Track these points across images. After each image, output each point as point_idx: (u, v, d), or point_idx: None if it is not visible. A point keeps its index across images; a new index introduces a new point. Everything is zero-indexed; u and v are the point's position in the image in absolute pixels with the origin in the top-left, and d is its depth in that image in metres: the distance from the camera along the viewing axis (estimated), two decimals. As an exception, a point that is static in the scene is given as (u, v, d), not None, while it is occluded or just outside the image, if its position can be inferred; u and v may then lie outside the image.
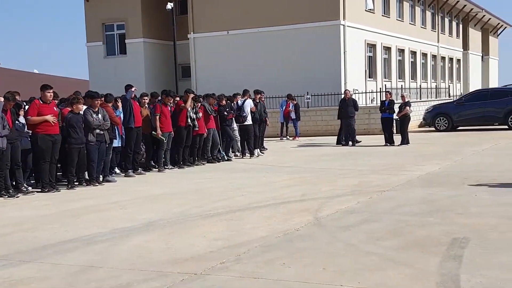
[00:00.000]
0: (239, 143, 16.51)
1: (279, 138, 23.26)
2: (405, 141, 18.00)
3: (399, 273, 4.91)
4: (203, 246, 6.09)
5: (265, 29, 27.07)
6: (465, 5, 41.80)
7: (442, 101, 29.51)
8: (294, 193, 9.43)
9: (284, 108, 23.23)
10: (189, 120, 13.80)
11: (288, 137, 23.44)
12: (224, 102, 15.49)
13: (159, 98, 13.91)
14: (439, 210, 7.50)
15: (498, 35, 55.37)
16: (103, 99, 11.83)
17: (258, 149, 16.55)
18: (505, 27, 54.73)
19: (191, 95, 14.06)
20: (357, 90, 26.22)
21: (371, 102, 27.26)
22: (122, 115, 12.40)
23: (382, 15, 30.53)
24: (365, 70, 28.63)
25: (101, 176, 11.78)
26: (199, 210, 8.20)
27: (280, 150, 18.75)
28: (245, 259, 5.56)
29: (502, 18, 51.57)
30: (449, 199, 8.21)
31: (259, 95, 16.93)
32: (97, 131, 11.14)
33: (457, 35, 44.00)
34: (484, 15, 46.16)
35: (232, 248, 5.95)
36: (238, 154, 16.52)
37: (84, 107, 11.19)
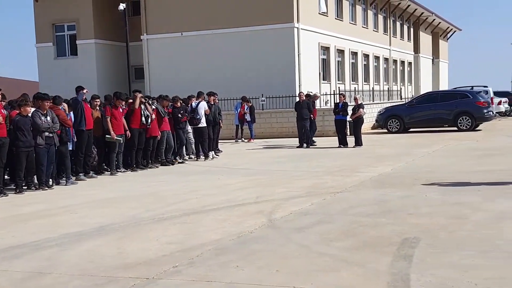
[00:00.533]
0: (193, 146, 16.41)
1: (234, 140, 23.22)
2: (358, 143, 18.22)
3: (352, 273, 4.94)
4: (155, 250, 6.00)
5: (220, 31, 26.99)
6: (416, 9, 42.64)
7: (394, 103, 30.01)
8: (249, 196, 9.41)
9: (239, 110, 23.21)
10: (143, 119, 13.64)
11: (243, 139, 23.43)
12: (179, 104, 15.38)
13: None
14: (391, 210, 7.59)
15: (447, 39, 56.71)
16: (51, 101, 11.55)
17: (213, 152, 16.48)
18: (455, 31, 56.10)
19: (139, 95, 13.90)
20: (311, 92, 26.38)
21: (325, 105, 27.50)
22: (72, 118, 12.16)
23: (336, 18, 30.85)
24: (319, 73, 28.86)
25: (64, 179, 11.65)
26: (152, 214, 8.09)
27: (235, 152, 18.72)
28: (198, 262, 5.50)
29: (452, 22, 52.88)
30: (401, 200, 8.33)
31: (213, 97, 16.87)
32: (46, 134, 10.88)
33: (409, 39, 44.85)
34: (434, 19, 47.20)
35: (185, 252, 5.89)
36: (193, 156, 16.42)
37: (33, 109, 10.91)
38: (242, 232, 6.69)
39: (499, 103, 32.52)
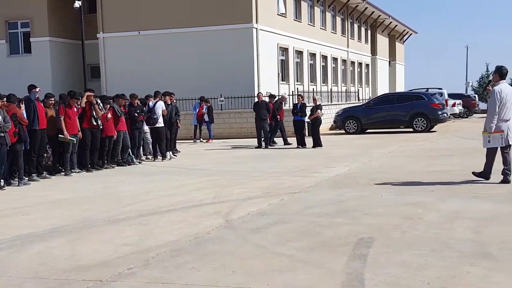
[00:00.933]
0: (150, 146, 16.26)
1: (192, 141, 23.11)
2: (318, 143, 18.34)
3: (308, 273, 4.95)
4: (109, 252, 5.91)
5: (178, 30, 26.85)
6: (373, 12, 43.25)
7: (352, 105, 30.35)
8: (206, 196, 9.36)
9: (197, 111, 23.11)
10: (93, 120, 13.42)
11: (201, 139, 23.34)
12: (136, 102, 15.18)
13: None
14: (347, 210, 7.66)
15: (404, 41, 57.70)
16: (5, 99, 11.27)
17: (171, 152, 16.35)
18: (411, 34, 57.13)
19: (87, 93, 13.66)
20: (270, 93, 26.45)
21: (284, 105, 27.58)
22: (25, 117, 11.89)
23: (294, 20, 31.04)
24: (278, 73, 28.99)
25: (17, 180, 11.47)
26: (107, 215, 7.96)
27: (193, 152, 18.62)
28: (154, 264, 5.44)
29: (408, 25, 53.80)
30: (357, 200, 8.41)
31: (170, 97, 16.73)
32: (-2, 133, 10.60)
33: (366, 41, 45.47)
34: (391, 22, 47.98)
35: (140, 253, 5.81)
36: (150, 157, 16.27)
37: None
38: (199, 233, 6.64)
39: (453, 105, 33.25)
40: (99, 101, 13.85)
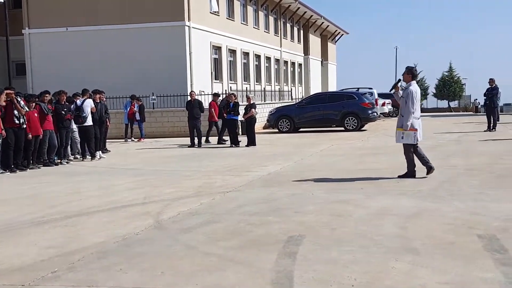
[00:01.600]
0: (79, 145, 15.85)
1: (123, 140, 22.72)
2: (251, 142, 18.38)
3: (237, 272, 4.93)
4: (33, 255, 5.69)
5: (108, 27, 26.29)
6: (305, 12, 43.77)
7: (285, 104, 30.63)
8: (136, 196, 9.20)
9: (128, 109, 22.73)
10: (15, 119, 12.92)
11: (133, 138, 22.98)
12: (63, 99, 14.72)
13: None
14: (278, 209, 7.69)
15: (335, 42, 58.73)
16: None
17: (100, 151, 16.00)
18: (342, 34, 58.19)
19: (6, 91, 13.11)
20: (203, 91, 26.35)
21: (217, 104, 27.52)
22: None
23: (227, 18, 31.01)
24: (211, 72, 28.88)
25: None
26: (31, 217, 7.68)
27: (124, 152, 18.30)
28: (79, 266, 5.28)
29: (339, 25, 54.77)
30: (288, 198, 8.46)
31: (99, 95, 16.36)
32: None
33: (299, 41, 45.98)
34: (323, 22, 48.71)
35: (65, 256, 5.63)
36: (78, 156, 15.86)
37: None
38: (128, 234, 6.51)
39: (383, 104, 34.12)
40: (19, 99, 13.31)
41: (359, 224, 6.53)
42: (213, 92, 21.36)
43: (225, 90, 28.13)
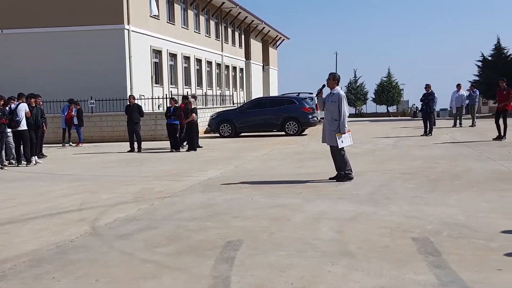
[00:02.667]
0: (13, 150, 15.36)
1: (61, 145, 22.18)
2: (192, 147, 18.27)
3: (174, 278, 4.87)
4: (-40, 265, 5.46)
5: (45, 30, 25.69)
6: (246, 17, 43.96)
7: (227, 108, 30.62)
8: (72, 203, 8.98)
9: (66, 113, 22.21)
10: None
11: (71, 143, 22.47)
12: (0, 103, 14.27)
13: None
14: (217, 214, 7.65)
15: (277, 47, 59.20)
16: None
17: (36, 156, 15.56)
18: (283, 39, 58.72)
19: None
20: (143, 95, 26.07)
21: (158, 108, 27.31)
22: None
23: (167, 22, 30.80)
24: (152, 76, 28.59)
25: None
26: (-40, 225, 7.39)
27: (61, 157, 17.86)
28: (10, 275, 5.11)
29: (280, 30, 55.27)
30: (227, 203, 8.43)
31: (34, 99, 15.92)
32: None
33: (240, 45, 46.11)
34: (264, 27, 49.03)
35: (-5, 265, 5.43)
36: (13, 161, 15.37)
37: None
38: (62, 241, 6.34)
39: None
40: None
41: (297, 229, 6.57)
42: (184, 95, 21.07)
43: (165, 94, 27.90)
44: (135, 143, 18.80)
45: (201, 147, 19.16)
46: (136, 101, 19.84)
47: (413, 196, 8.39)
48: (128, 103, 19.59)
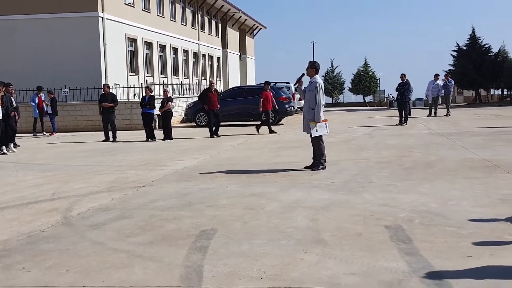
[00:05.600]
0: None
1: (32, 134, 21.90)
2: (168, 136, 18.17)
3: (146, 268, 4.83)
4: None
5: (18, 17, 25.27)
6: (223, 5, 43.72)
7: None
8: (45, 192, 8.87)
9: (36, 102, 21.90)
10: None
11: (44, 133, 22.18)
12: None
13: None
14: (191, 203, 7.61)
15: (254, 36, 59.03)
16: None
17: (12, 144, 15.34)
18: (260, 28, 58.58)
19: None
20: (118, 84, 25.83)
21: (134, 97, 27.08)
22: None
23: (143, 10, 30.50)
24: (127, 65, 28.32)
25: None
26: None
27: (34, 146, 17.64)
28: (-22, 266, 5.01)
29: (257, 19, 55.15)
30: (202, 192, 8.40)
31: (4, 88, 15.64)
32: None
33: (217, 34, 45.87)
34: (241, 16, 48.82)
35: (-37, 256, 5.33)
36: (-15, 151, 15.14)
37: None
38: (33, 231, 6.26)
39: (300, 98, 34.53)
40: None
41: (271, 217, 6.57)
42: (264, 81, 21.03)
43: (141, 83, 27.68)
44: (110, 132, 18.64)
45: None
46: (111, 90, 19.66)
47: (387, 185, 8.44)
48: (103, 92, 19.39)
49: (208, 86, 19.63)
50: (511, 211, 6.42)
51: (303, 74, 10.52)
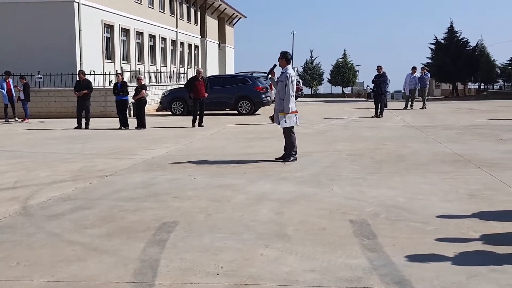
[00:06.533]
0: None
1: (3, 120, 21.48)
2: (141, 125, 17.93)
3: (100, 262, 4.66)
4: None
5: (-10, 1, 24.68)
6: (202, -7, 43.30)
7: (181, 86, 30.13)
8: (6, 180, 8.63)
9: (5, 87, 21.46)
10: None
11: (16, 119, 21.76)
12: None
13: None
14: (157, 194, 7.45)
15: (233, 25, 58.64)
16: None
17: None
18: (240, 18, 58.20)
19: None
20: (94, 71, 25.43)
21: (110, 84, 26.68)
22: None
23: (120, -4, 30.04)
24: (103, 51, 27.89)
25: None
26: None
27: (4, 133, 17.28)
28: None
29: (237, 8, 54.73)
30: (169, 183, 8.22)
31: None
32: None
33: (195, 22, 45.43)
34: (220, 4, 48.38)
35: None
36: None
37: None
38: (-12, 222, 6.04)
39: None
40: None
41: (235, 210, 6.42)
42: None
43: (116, 70, 27.29)
44: (83, 119, 18.34)
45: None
46: (86, 77, 19.35)
47: (357, 178, 8.34)
48: (78, 79, 19.05)
49: (195, 75, 19.20)
50: (477, 207, 6.35)
51: (275, 65, 10.37)
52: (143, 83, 18.58)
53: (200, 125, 18.31)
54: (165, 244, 5.12)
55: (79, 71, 20.28)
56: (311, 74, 70.42)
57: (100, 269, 4.47)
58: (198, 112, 18.51)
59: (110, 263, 4.62)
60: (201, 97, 18.51)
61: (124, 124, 18.13)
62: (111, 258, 4.77)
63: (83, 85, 18.61)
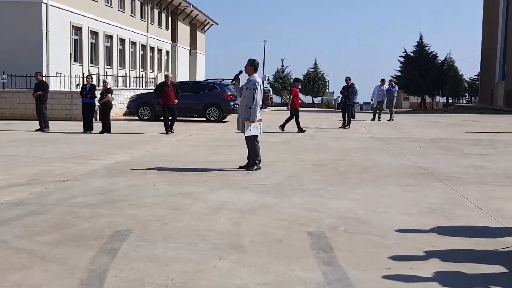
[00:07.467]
0: None
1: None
2: (106, 129, 17.65)
3: (45, 271, 4.47)
4: None
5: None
6: (174, -1, 43.10)
7: (150, 91, 29.86)
8: (-41, 183, 8.34)
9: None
10: None
11: (-22, 119, 21.28)
12: None
13: None
14: (114, 200, 7.26)
15: (205, 31, 58.51)
16: None
17: None
18: (212, 24, 58.10)
19: None
20: (60, 73, 25.04)
21: (76, 87, 26.30)
22: None
23: (90, -2, 29.71)
24: (70, 54, 27.49)
25: None
26: None
27: (-36, 133, 16.83)
28: None
29: (209, 15, 54.66)
30: (128, 189, 8.04)
31: None
32: None
33: (166, 27, 45.20)
34: (192, 11, 48.25)
35: None
36: None
37: None
38: None
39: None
40: None
41: (193, 219, 6.28)
42: (294, 78, 20.33)
43: (83, 73, 26.91)
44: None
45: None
46: (44, 78, 19.06)
47: (318, 189, 8.27)
48: (36, 80, 18.74)
49: (164, 80, 18.84)
50: (437, 222, 6.33)
51: (240, 72, 10.27)
52: (108, 87, 18.33)
53: (171, 131, 18.00)
54: (116, 253, 4.95)
55: (36, 72, 19.91)
56: (281, 83, 70.60)
57: (46, 279, 4.29)
58: (169, 118, 18.14)
59: (56, 272, 4.44)
60: (169, 103, 18.16)
61: (88, 128, 17.83)
62: (58, 266, 4.59)
63: (39, 87, 18.33)
